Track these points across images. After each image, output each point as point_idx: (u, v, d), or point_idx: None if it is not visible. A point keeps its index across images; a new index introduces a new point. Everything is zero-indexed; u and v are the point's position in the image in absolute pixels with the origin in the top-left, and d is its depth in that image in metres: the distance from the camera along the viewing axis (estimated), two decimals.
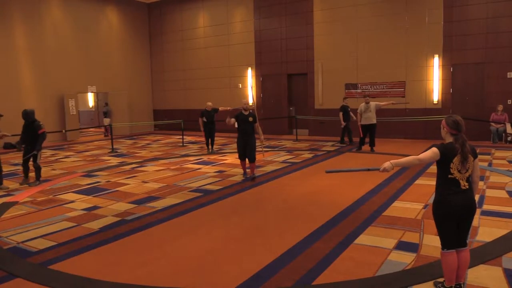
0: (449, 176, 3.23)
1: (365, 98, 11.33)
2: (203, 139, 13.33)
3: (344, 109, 12.85)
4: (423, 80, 13.79)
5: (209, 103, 12.14)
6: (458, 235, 3.33)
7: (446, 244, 3.32)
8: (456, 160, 3.21)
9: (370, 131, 11.33)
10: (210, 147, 12.17)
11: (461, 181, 3.24)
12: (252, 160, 8.22)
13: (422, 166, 8.77)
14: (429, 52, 13.59)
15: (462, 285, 3.40)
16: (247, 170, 8.56)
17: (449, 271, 3.31)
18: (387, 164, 3.33)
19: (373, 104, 11.20)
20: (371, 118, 11.18)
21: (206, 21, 18.50)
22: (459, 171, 3.23)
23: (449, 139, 3.32)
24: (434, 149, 3.25)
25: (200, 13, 18.65)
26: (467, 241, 3.45)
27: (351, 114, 12.84)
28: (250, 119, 8.20)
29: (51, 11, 16.56)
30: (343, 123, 12.85)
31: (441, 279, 3.55)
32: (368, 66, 14.67)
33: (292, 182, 7.90)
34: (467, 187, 3.27)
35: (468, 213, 3.28)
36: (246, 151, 8.19)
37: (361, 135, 11.46)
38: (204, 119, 11.95)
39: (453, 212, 3.23)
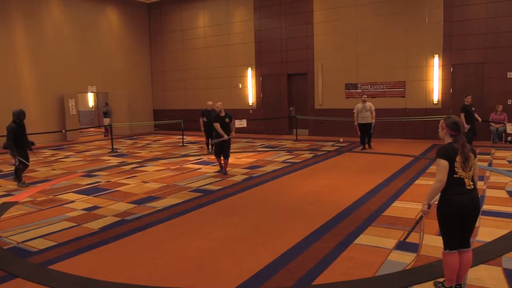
0: (455, 175, 3.22)
1: (362, 97, 11.90)
2: (203, 139, 13.33)
3: (466, 110, 10.48)
4: (423, 80, 13.79)
5: (210, 103, 12.12)
6: (461, 235, 3.31)
7: (449, 244, 3.30)
8: (458, 159, 3.21)
9: (366, 130, 11.74)
10: (210, 147, 12.17)
11: (466, 180, 3.22)
12: (227, 157, 8.89)
13: (422, 166, 8.76)
14: (429, 52, 13.58)
15: (462, 285, 3.39)
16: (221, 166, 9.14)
17: (450, 271, 3.30)
18: (424, 208, 3.34)
19: (369, 104, 11.68)
20: (367, 118, 11.61)
21: (206, 21, 18.49)
22: (463, 169, 3.22)
23: (448, 139, 3.32)
24: (441, 162, 3.20)
25: (200, 13, 18.64)
26: (470, 242, 3.43)
27: (476, 115, 10.76)
28: (227, 120, 8.78)
29: (51, 11, 16.56)
30: (466, 126, 10.18)
31: (441, 279, 3.54)
32: (368, 66, 14.66)
33: (292, 182, 7.90)
34: (472, 187, 3.25)
35: (473, 213, 3.26)
36: (224, 150, 8.77)
37: (359, 134, 11.89)
38: (205, 119, 11.95)
39: (458, 212, 3.22)
